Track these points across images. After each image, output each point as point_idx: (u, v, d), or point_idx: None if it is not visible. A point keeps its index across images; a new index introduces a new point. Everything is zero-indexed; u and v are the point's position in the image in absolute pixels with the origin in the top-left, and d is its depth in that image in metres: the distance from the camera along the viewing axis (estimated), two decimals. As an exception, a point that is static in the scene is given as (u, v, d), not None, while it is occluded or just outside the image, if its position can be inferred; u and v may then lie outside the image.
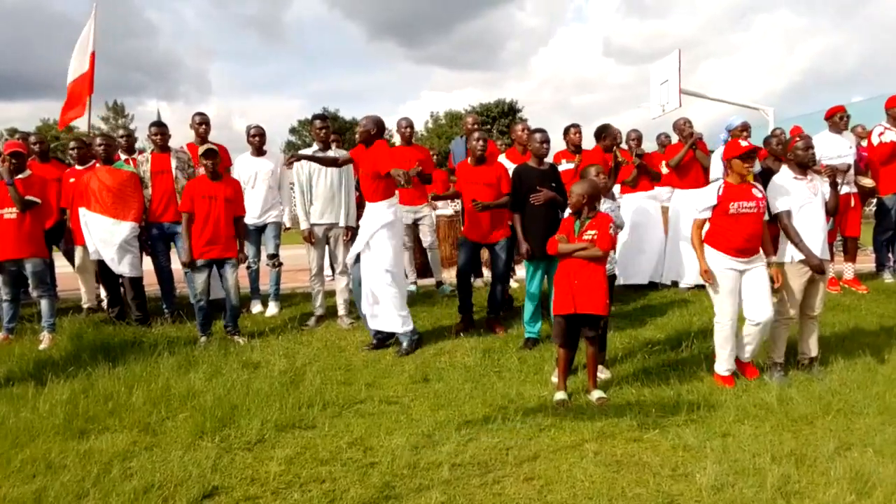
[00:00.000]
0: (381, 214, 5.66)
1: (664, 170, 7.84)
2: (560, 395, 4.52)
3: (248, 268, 7.00)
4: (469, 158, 6.15)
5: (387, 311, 5.70)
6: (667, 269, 7.87)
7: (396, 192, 5.81)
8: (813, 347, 4.97)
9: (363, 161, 5.78)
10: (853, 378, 4.77)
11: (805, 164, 5.02)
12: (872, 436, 3.85)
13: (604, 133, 7.01)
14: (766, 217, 4.76)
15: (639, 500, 3.19)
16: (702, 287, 7.40)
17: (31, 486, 3.40)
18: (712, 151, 7.67)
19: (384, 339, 5.89)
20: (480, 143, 6.03)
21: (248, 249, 6.87)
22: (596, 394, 4.55)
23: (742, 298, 4.78)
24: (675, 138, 8.15)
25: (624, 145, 8.21)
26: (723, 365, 4.82)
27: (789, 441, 3.79)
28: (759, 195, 4.71)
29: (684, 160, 7.57)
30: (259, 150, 7.05)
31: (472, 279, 6.37)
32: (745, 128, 7.34)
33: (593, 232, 4.47)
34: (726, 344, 4.79)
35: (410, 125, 7.67)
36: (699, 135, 7.63)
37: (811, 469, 3.44)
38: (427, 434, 4.03)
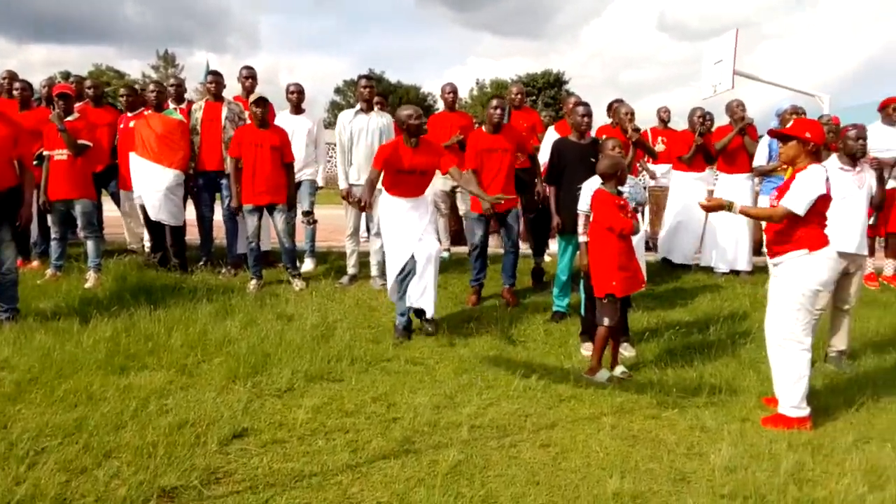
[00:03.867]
0: (428, 205, 5.49)
1: (660, 147, 7.77)
2: (607, 373, 4.55)
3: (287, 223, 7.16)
4: (485, 126, 6.13)
5: (431, 288, 5.19)
6: (704, 254, 7.82)
7: None
8: (843, 340, 4.93)
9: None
10: (881, 374, 4.73)
11: (854, 155, 4.92)
12: (893, 432, 3.83)
13: (609, 109, 6.97)
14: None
15: (651, 474, 3.26)
16: (736, 273, 7.40)
17: (73, 414, 3.62)
18: (762, 136, 7.52)
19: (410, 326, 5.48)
20: (498, 111, 6.01)
21: None
22: (619, 369, 4.61)
23: None
24: (722, 119, 7.99)
25: (672, 124, 8.13)
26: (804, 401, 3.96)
27: (808, 431, 3.81)
28: None
29: (731, 146, 7.44)
30: (297, 108, 7.13)
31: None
32: (795, 111, 7.18)
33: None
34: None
35: (454, 91, 7.68)
36: (750, 119, 7.47)
37: (827, 459, 3.47)
38: (449, 395, 4.16)
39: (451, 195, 7.72)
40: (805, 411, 3.87)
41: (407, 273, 5.17)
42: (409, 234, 5.17)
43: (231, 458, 3.27)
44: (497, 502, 2.99)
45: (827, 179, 3.84)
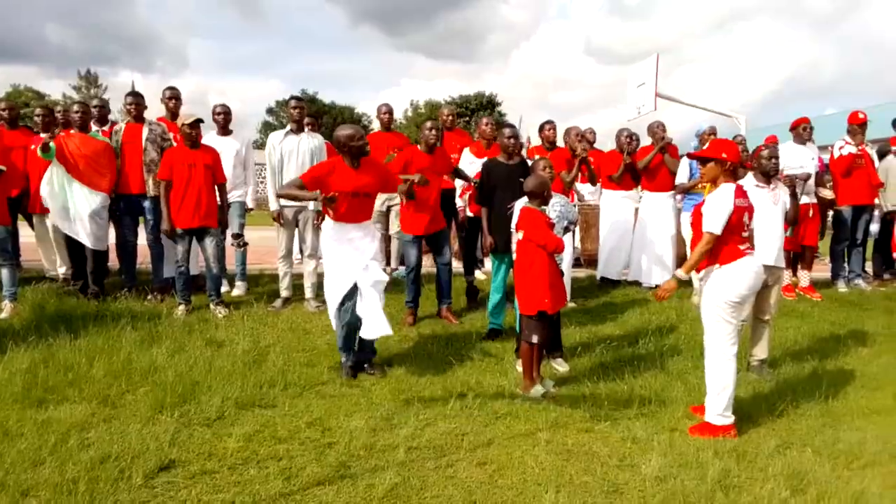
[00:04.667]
0: (375, 235, 5.13)
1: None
2: (541, 389, 4.59)
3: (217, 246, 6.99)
4: (421, 145, 6.19)
5: (379, 312, 4.81)
6: (632, 268, 8.06)
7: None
8: (763, 350, 5.15)
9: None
10: (800, 382, 4.96)
11: (768, 173, 5.19)
12: (812, 436, 4.02)
13: (540, 131, 7.31)
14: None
15: (585, 487, 3.31)
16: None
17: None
18: (682, 156, 7.85)
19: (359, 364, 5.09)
20: (434, 132, 6.08)
21: None
22: (548, 383, 4.69)
23: None
24: (646, 140, 8.31)
25: (597, 145, 8.41)
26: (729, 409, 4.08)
27: (733, 438, 3.95)
28: None
29: (652, 164, 7.74)
30: (225, 129, 7.01)
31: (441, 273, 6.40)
32: (712, 132, 7.56)
33: None
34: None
35: (390, 111, 7.76)
36: (669, 139, 7.80)
37: (751, 465, 3.60)
38: (386, 417, 4.11)
39: (385, 215, 7.71)
40: (730, 419, 4.02)
41: (347, 302, 4.79)
42: (352, 262, 4.78)
43: (157, 491, 3.14)
44: (434, 524, 2.97)
45: (739, 194, 4.04)
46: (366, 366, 5.01)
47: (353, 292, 4.77)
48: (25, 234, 7.72)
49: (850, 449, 3.84)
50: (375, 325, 4.67)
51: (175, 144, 6.51)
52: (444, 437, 3.87)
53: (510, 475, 3.43)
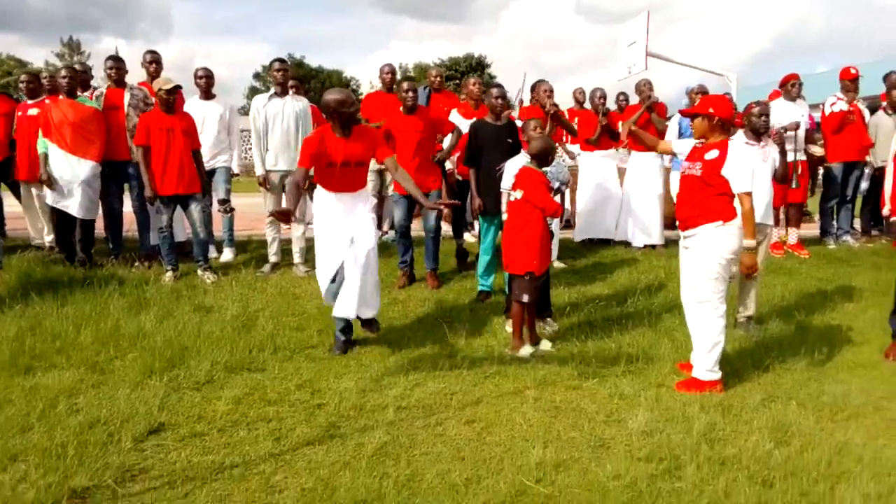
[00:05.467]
0: (367, 199, 4.88)
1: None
2: (530, 349, 4.63)
3: (203, 212, 6.93)
4: (401, 107, 6.09)
5: (373, 291, 4.78)
6: (620, 229, 8.05)
7: None
8: (751, 305, 5.18)
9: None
10: (786, 337, 5.01)
11: (758, 130, 5.16)
12: (798, 390, 4.07)
13: (532, 89, 7.06)
14: None
15: (573, 442, 3.35)
16: (652, 247, 7.67)
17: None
18: (671, 117, 7.79)
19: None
20: (410, 93, 5.94)
21: None
22: (546, 344, 4.72)
23: None
24: (635, 99, 8.23)
25: (588, 104, 8.31)
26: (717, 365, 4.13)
27: (719, 393, 3.99)
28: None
29: (639, 122, 7.65)
30: (207, 94, 6.87)
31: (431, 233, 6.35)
32: (700, 90, 7.48)
33: None
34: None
35: (393, 71, 7.60)
36: (655, 98, 7.72)
37: (736, 418, 3.65)
38: (375, 378, 4.14)
39: (380, 174, 7.61)
40: (717, 374, 4.06)
41: (337, 278, 4.58)
42: (341, 237, 4.51)
43: (147, 454, 3.16)
44: (423, 480, 3.00)
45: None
46: (362, 324, 4.87)
47: (341, 271, 4.54)
48: (10, 203, 7.63)
49: (835, 401, 3.89)
50: (344, 304, 4.50)
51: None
52: (433, 396, 3.90)
53: (498, 432, 3.46)
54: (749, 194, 3.97)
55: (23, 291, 5.44)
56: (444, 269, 6.58)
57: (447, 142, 6.41)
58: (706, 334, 4.07)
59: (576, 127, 7.68)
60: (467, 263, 6.90)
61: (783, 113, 7.36)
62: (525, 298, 4.58)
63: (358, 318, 4.75)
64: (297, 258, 6.65)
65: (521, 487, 2.93)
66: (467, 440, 3.38)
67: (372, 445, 3.27)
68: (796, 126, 7.16)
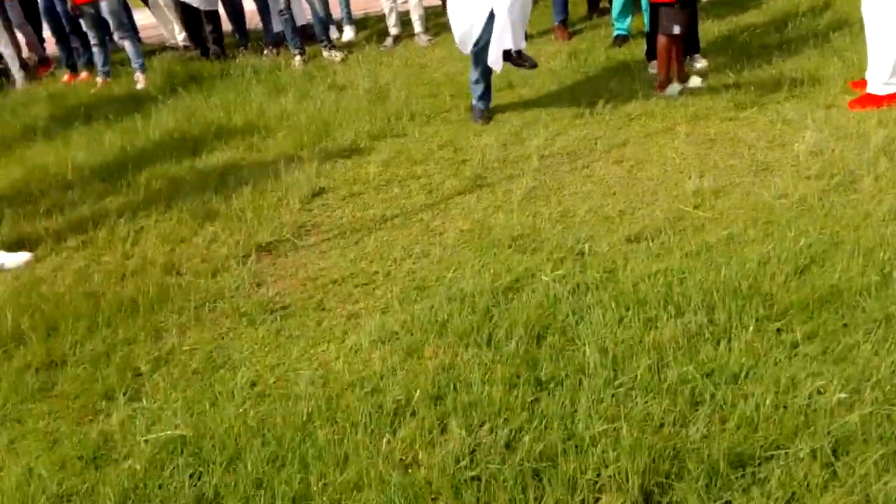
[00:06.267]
0: None
1: None
2: (678, 86, 4.33)
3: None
4: None
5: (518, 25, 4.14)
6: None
7: None
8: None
9: None
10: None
11: None
12: None
13: None
14: None
15: (732, 169, 3.21)
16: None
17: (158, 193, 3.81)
18: None
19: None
20: None
21: None
22: (695, 80, 4.39)
23: None
24: None
25: None
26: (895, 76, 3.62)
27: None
28: None
29: None
30: None
31: None
32: None
33: None
34: None
35: None
36: None
37: (921, 130, 3.29)
38: (514, 133, 4.09)
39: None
40: (895, 87, 3.61)
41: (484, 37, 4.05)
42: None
43: (315, 213, 3.41)
44: (575, 215, 3.03)
45: None
46: (515, 62, 4.25)
47: (489, 23, 3.98)
48: (140, 17, 7.80)
49: None
50: (493, 57, 4.05)
51: None
52: (576, 143, 3.82)
53: (649, 168, 3.38)
54: None
55: (171, 88, 5.73)
56: (575, 17, 6.13)
57: None
58: (882, 41, 3.55)
59: None
60: (599, 9, 6.35)
61: None
62: (676, 31, 4.16)
63: (510, 57, 4.18)
64: (417, 27, 6.41)
65: (679, 213, 2.89)
66: (617, 178, 3.34)
67: (521, 190, 3.31)
68: None
